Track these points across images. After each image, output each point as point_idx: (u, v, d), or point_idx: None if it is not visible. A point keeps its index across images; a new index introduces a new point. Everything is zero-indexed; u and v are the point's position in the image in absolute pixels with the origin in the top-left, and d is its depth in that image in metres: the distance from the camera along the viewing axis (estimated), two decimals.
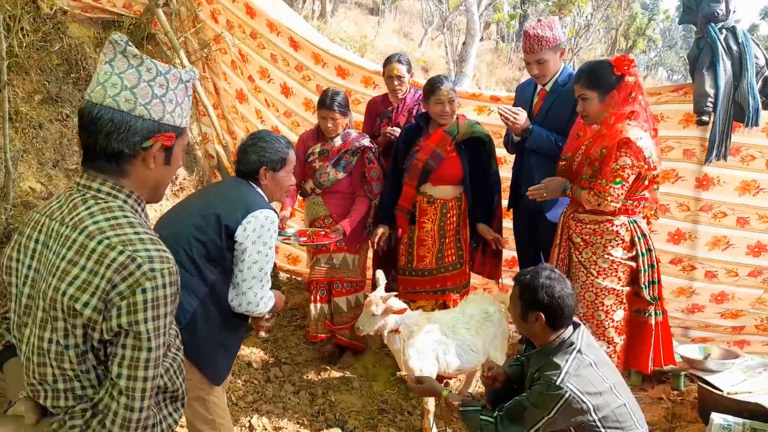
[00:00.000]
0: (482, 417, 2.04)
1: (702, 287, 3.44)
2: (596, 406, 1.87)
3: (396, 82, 3.44)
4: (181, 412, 1.32)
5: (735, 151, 3.18)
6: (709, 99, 3.07)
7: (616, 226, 2.53)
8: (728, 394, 2.64)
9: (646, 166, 2.43)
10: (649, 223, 2.68)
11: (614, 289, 2.56)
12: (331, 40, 4.92)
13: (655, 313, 2.62)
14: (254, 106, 4.43)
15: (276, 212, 2.08)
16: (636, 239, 2.55)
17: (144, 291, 1.10)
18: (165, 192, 1.34)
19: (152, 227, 1.31)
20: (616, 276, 2.56)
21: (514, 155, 3.30)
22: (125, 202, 1.21)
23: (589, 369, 1.93)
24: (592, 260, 2.57)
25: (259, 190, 2.16)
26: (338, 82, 3.96)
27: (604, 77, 2.48)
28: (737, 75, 3.08)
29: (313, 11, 12.64)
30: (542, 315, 1.96)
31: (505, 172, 3.53)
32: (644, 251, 2.56)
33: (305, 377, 3.30)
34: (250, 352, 3.44)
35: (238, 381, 3.12)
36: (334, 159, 3.28)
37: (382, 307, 2.62)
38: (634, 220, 2.56)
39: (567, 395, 1.85)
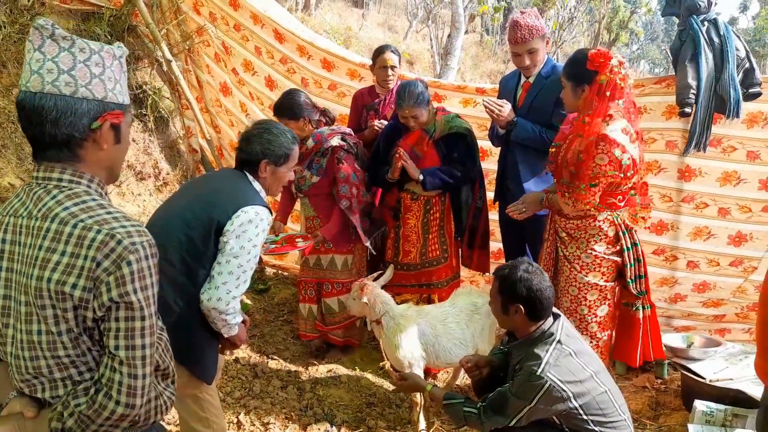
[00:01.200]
0: (465, 408, 2.06)
1: (684, 277, 3.49)
2: (576, 394, 1.90)
3: (389, 72, 3.43)
4: (173, 389, 1.32)
5: (716, 143, 3.22)
6: (692, 90, 3.10)
7: (599, 221, 2.53)
8: (710, 381, 2.69)
9: (619, 174, 2.39)
10: (636, 222, 2.69)
11: (597, 285, 2.56)
12: (315, 33, 4.88)
13: (643, 307, 2.63)
14: (238, 99, 4.38)
15: (270, 210, 2.01)
16: (621, 233, 2.55)
17: (129, 263, 1.12)
18: (120, 172, 1.34)
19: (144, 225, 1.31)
20: (599, 271, 2.56)
21: (500, 148, 3.31)
22: (89, 186, 1.21)
23: (569, 358, 1.96)
24: (575, 255, 2.58)
25: (255, 183, 2.09)
26: (324, 75, 3.94)
27: (577, 68, 2.45)
28: (719, 67, 3.11)
29: (297, 3, 12.52)
30: (521, 307, 1.99)
31: (491, 165, 3.55)
32: (629, 245, 2.56)
33: (293, 372, 3.29)
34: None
35: (225, 377, 3.10)
36: (307, 161, 3.21)
37: (357, 293, 2.75)
38: (618, 215, 2.56)
39: (547, 384, 1.88)
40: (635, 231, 2.61)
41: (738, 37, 3.21)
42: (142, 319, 1.15)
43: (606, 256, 2.55)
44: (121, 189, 4.11)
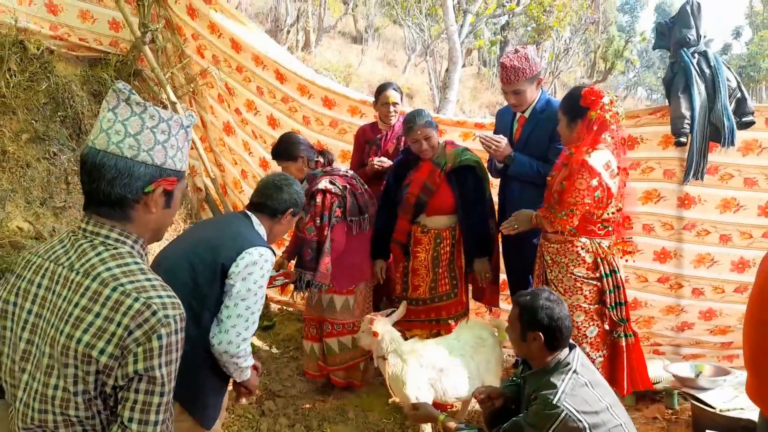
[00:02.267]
0: None
1: (690, 305, 3.49)
2: (592, 425, 1.89)
3: (391, 109, 3.52)
4: None
5: (713, 170, 3.26)
6: (686, 121, 3.16)
7: (578, 247, 2.61)
8: (721, 411, 2.66)
9: (592, 203, 2.49)
10: (624, 255, 2.75)
11: (581, 306, 2.62)
12: (316, 71, 5.00)
13: (626, 335, 2.65)
14: (241, 139, 4.47)
15: (273, 252, 2.05)
16: (599, 260, 2.61)
17: (159, 337, 1.12)
18: (164, 233, 1.37)
19: (150, 263, 1.33)
20: (581, 294, 2.63)
21: (499, 180, 3.36)
22: (132, 247, 1.23)
23: (585, 389, 1.96)
24: (558, 278, 2.67)
25: (259, 227, 2.14)
26: (325, 113, 4.03)
27: (572, 104, 2.59)
28: (711, 97, 3.18)
29: (297, 41, 12.83)
30: (541, 335, 2.01)
31: (494, 195, 3.59)
32: (608, 272, 2.61)
33: (300, 410, 3.27)
34: None
35: (232, 416, 3.08)
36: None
37: (367, 327, 2.79)
38: (597, 241, 2.62)
39: (563, 414, 1.87)
40: (613, 258, 2.64)
41: (728, 67, 3.29)
42: (161, 395, 1.14)
43: (586, 280, 2.61)
44: None
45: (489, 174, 3.42)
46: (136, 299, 1.13)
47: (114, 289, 1.13)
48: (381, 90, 3.59)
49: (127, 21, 3.97)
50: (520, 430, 1.96)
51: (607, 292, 2.61)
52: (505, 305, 3.70)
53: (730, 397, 2.76)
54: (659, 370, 3.14)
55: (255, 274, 1.93)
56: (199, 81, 4.43)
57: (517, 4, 9.69)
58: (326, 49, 13.42)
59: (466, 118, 4.29)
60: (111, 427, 1.16)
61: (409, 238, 3.25)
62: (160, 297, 1.16)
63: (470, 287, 3.39)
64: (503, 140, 3.04)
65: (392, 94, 3.52)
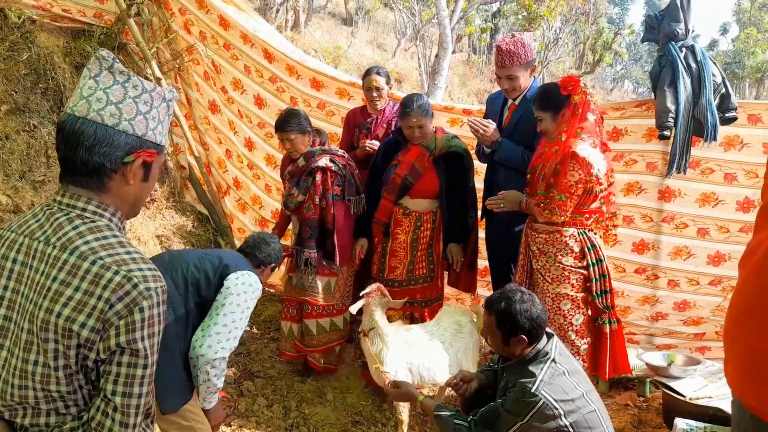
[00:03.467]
0: (456, 421, 2.09)
1: (665, 296, 3.56)
2: (567, 412, 1.94)
3: (375, 94, 3.48)
4: (153, 428, 1.32)
5: (695, 165, 3.31)
6: (671, 114, 3.19)
7: (566, 236, 2.65)
8: (690, 399, 2.74)
9: (591, 179, 2.53)
10: (608, 230, 2.79)
11: (568, 295, 2.66)
12: (305, 52, 4.94)
13: (609, 322, 2.70)
14: (227, 117, 4.42)
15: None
16: (586, 249, 2.65)
17: (141, 310, 1.12)
18: (140, 209, 1.36)
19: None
20: (568, 283, 2.67)
21: (486, 166, 3.37)
22: (110, 221, 1.21)
23: (563, 377, 2.01)
24: (546, 268, 2.70)
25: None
26: (313, 94, 3.99)
27: (553, 98, 2.63)
28: (696, 92, 3.21)
29: (287, 21, 12.64)
30: (525, 338, 2.05)
31: (478, 183, 3.61)
32: (594, 261, 2.66)
33: (278, 390, 3.29)
34: None
35: None
36: (295, 180, 3.25)
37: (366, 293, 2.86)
38: (584, 232, 2.66)
39: (541, 402, 1.92)
40: (600, 248, 2.69)
41: (714, 63, 3.32)
42: (144, 367, 1.14)
43: (574, 269, 2.65)
44: None
45: (476, 161, 3.44)
46: (116, 272, 1.11)
47: (93, 263, 1.12)
48: (366, 74, 3.55)
49: None
50: (498, 415, 2.00)
51: (594, 280, 2.65)
52: (485, 291, 3.74)
53: (700, 386, 2.84)
54: (633, 359, 3.20)
55: (248, 294, 2.12)
56: (186, 57, 4.36)
57: None
58: (316, 30, 13.25)
59: (454, 103, 4.28)
60: (94, 401, 1.15)
61: (390, 219, 3.26)
62: (140, 270, 1.14)
63: (446, 274, 3.42)
64: (491, 125, 3.05)
65: (375, 78, 3.47)
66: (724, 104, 3.24)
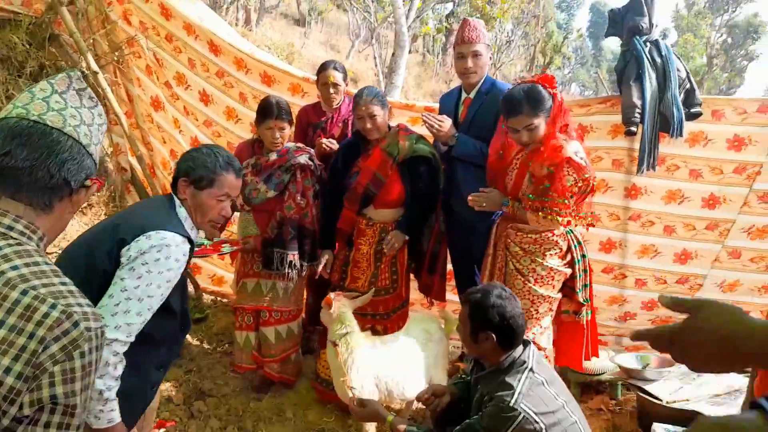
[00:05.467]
0: None
1: (633, 295, 3.49)
2: (548, 425, 1.82)
3: (331, 90, 3.26)
4: None
5: (660, 161, 3.25)
6: (637, 110, 3.13)
7: (556, 236, 2.54)
8: (667, 403, 2.65)
9: (588, 179, 2.43)
10: (591, 226, 2.69)
11: (549, 297, 2.56)
12: (256, 47, 4.67)
13: (586, 313, 2.66)
14: (171, 115, 4.11)
15: (190, 242, 1.74)
16: (572, 247, 2.58)
17: (82, 355, 0.93)
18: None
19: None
20: (551, 284, 2.56)
21: (443, 166, 3.22)
22: (37, 245, 1.04)
23: (542, 388, 1.88)
24: (530, 268, 2.56)
25: (181, 209, 1.84)
26: (263, 90, 3.73)
27: (545, 100, 2.43)
28: (662, 87, 3.16)
29: (237, 20, 12.26)
30: (493, 335, 1.90)
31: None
32: (579, 258, 2.60)
33: (233, 410, 3.02)
34: (170, 386, 3.12)
35: (157, 419, 2.79)
36: (265, 174, 3.02)
37: (329, 302, 2.65)
38: (570, 230, 2.58)
39: (521, 417, 1.79)
40: (584, 244, 2.64)
41: (678, 57, 3.28)
42: (77, 428, 0.95)
43: (559, 269, 2.55)
44: None
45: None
46: (53, 306, 0.92)
47: (24, 293, 0.91)
48: (322, 69, 3.32)
49: None
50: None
51: (578, 276, 2.58)
52: (451, 296, 3.60)
53: (675, 388, 2.76)
54: (604, 361, 3.12)
55: (149, 262, 1.59)
56: (125, 50, 4.02)
57: None
58: (267, 29, 12.91)
59: (415, 102, 4.11)
60: None
61: (353, 227, 3.05)
62: (80, 305, 0.96)
63: (415, 282, 3.23)
64: (447, 120, 2.92)
65: (332, 74, 3.25)
66: (689, 99, 3.21)
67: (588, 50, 38.42)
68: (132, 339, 1.60)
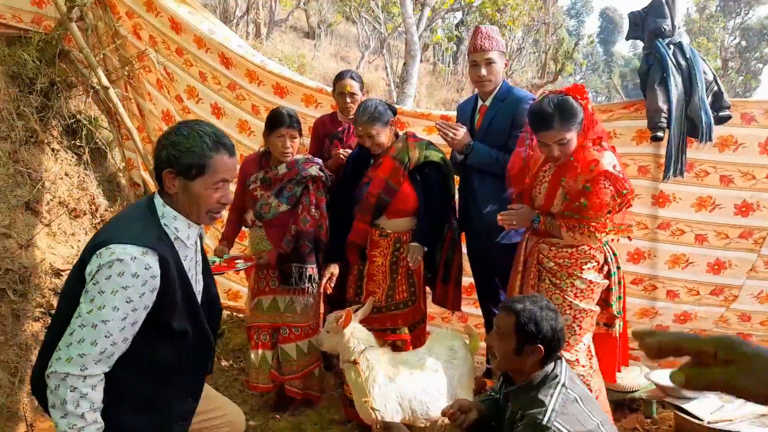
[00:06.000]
0: None
1: (665, 307, 3.35)
2: None
3: (348, 99, 3.20)
4: None
5: (689, 167, 3.12)
6: (663, 114, 3.01)
7: (593, 249, 2.44)
8: (709, 423, 2.50)
9: (626, 194, 2.32)
10: (629, 238, 2.64)
11: (591, 311, 2.46)
12: (267, 59, 4.61)
13: (619, 326, 2.58)
14: None
15: (156, 252, 1.50)
16: (609, 259, 2.49)
17: None
18: None
19: None
20: (591, 297, 2.46)
21: (460, 175, 3.12)
22: None
23: (576, 405, 1.77)
24: (568, 282, 2.44)
25: (166, 208, 1.62)
26: (276, 102, 3.66)
27: (577, 113, 2.31)
28: (688, 90, 3.04)
29: (248, 33, 12.31)
30: (542, 348, 1.80)
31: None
32: (615, 270, 2.50)
33: (251, 429, 2.91)
34: None
35: None
36: (276, 188, 2.94)
37: (333, 326, 2.48)
38: (606, 242, 2.48)
39: None
40: (617, 256, 2.54)
41: (704, 60, 3.16)
42: None
43: (598, 281, 2.46)
44: (52, 229, 3.67)
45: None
46: None
47: None
48: (339, 78, 3.28)
49: None
50: None
51: (613, 288, 2.49)
52: (473, 309, 3.48)
53: (715, 407, 2.60)
54: (637, 378, 2.98)
55: (99, 278, 1.42)
56: (136, 64, 3.98)
57: None
58: (278, 42, 12.95)
59: (431, 110, 4.01)
60: None
61: (367, 239, 2.94)
62: None
63: (430, 292, 3.11)
64: (461, 128, 2.84)
65: (349, 83, 3.21)
66: (717, 103, 3.08)
67: (599, 56, 38.26)
68: (93, 372, 1.41)
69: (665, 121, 3.01)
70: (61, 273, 3.31)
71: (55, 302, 3.21)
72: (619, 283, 2.52)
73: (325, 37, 16.93)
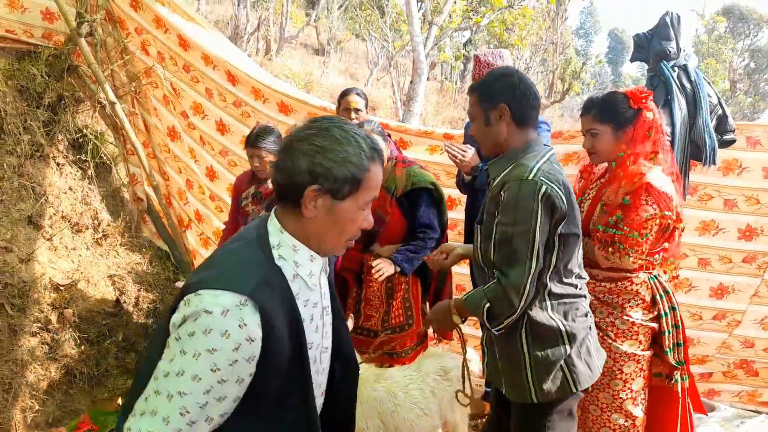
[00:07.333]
0: (485, 303, 1.73)
1: None
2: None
3: (353, 115, 3.21)
4: None
5: (692, 191, 3.10)
6: (667, 137, 2.99)
7: (636, 284, 2.20)
8: None
9: (671, 215, 2.11)
10: (672, 279, 2.38)
11: (635, 354, 2.19)
12: (275, 77, 4.65)
13: (682, 378, 2.28)
14: (187, 145, 4.07)
15: (255, 302, 1.09)
16: (658, 297, 2.22)
17: None
18: None
19: None
20: (636, 339, 2.21)
21: (467, 197, 3.10)
22: None
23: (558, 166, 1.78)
24: (608, 322, 2.23)
25: (283, 235, 1.21)
26: (281, 119, 3.69)
27: (619, 110, 2.20)
28: (692, 113, 3.03)
29: (258, 50, 12.46)
30: (506, 107, 1.75)
31: (459, 214, 3.34)
32: (667, 310, 2.24)
33: None
34: None
35: None
36: (267, 202, 2.94)
37: None
38: (655, 276, 2.25)
39: (544, 187, 1.64)
40: (672, 294, 2.28)
41: (709, 83, 3.15)
42: None
43: (643, 323, 2.21)
44: (53, 243, 3.69)
45: (458, 190, 3.16)
46: None
47: None
48: (344, 94, 3.31)
49: (62, 10, 3.55)
50: (508, 240, 1.66)
51: (666, 333, 2.21)
52: (472, 330, 3.44)
53: None
54: None
55: (182, 334, 1.07)
56: (143, 80, 4.03)
57: (482, 17, 9.65)
58: (287, 59, 13.08)
59: (434, 128, 4.00)
60: None
61: (362, 265, 2.91)
62: None
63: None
64: (470, 150, 2.78)
65: (354, 100, 3.23)
66: (722, 126, 3.06)
67: (607, 76, 38.37)
68: None
69: (669, 143, 3.00)
70: (61, 287, 3.32)
71: (53, 317, 3.22)
72: (677, 327, 2.25)
73: (334, 54, 17.10)
